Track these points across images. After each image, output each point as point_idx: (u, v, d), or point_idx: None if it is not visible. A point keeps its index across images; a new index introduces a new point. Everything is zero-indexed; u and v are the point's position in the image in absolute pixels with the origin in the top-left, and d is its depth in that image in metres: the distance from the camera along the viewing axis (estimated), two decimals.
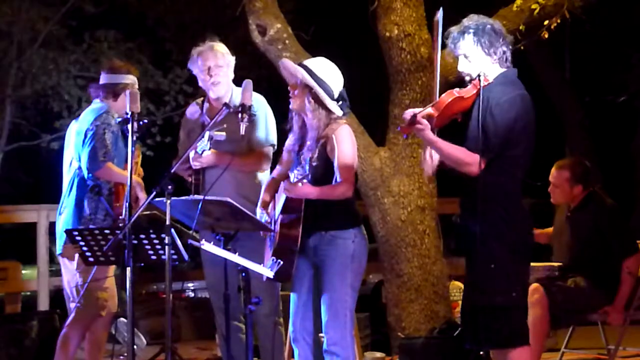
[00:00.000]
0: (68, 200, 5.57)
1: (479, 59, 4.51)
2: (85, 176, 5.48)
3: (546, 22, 6.78)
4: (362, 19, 7.75)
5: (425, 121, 4.37)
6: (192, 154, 5.19)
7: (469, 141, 4.44)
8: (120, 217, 5.39)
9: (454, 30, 4.59)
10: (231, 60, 5.56)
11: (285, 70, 4.93)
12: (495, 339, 4.47)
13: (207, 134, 5.02)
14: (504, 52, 4.52)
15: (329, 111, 4.77)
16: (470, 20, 4.57)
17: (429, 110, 4.43)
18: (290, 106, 4.86)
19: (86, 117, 5.60)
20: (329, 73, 4.81)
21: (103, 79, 5.72)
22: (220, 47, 5.56)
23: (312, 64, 4.85)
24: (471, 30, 4.52)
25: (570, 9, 6.86)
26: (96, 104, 5.69)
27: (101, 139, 5.45)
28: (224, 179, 5.04)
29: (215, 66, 5.46)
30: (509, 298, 4.43)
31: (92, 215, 5.46)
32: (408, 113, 4.41)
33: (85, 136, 5.50)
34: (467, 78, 4.55)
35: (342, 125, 4.78)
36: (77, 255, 5.31)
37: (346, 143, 4.73)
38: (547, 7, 6.86)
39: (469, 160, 4.37)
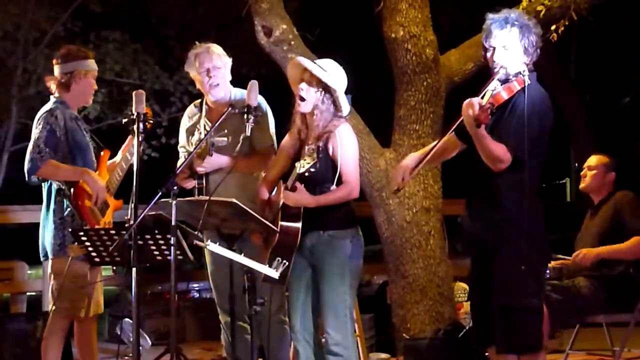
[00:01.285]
0: (44, 205, 5.51)
1: (517, 55, 4.43)
2: (27, 180, 5.39)
3: (553, 27, 6.78)
4: (368, 20, 7.75)
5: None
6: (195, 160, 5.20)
7: (502, 137, 4.34)
8: (87, 216, 5.29)
9: (496, 18, 4.47)
10: (228, 61, 5.55)
11: (295, 68, 4.88)
12: (523, 343, 4.41)
13: (208, 140, 5.03)
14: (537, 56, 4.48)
15: (337, 110, 4.78)
16: (514, 14, 4.47)
17: (490, 100, 4.30)
18: (299, 106, 4.83)
19: (34, 123, 5.46)
20: (339, 73, 4.83)
21: (54, 71, 5.58)
22: (217, 49, 5.55)
23: (323, 63, 4.86)
24: (517, 24, 4.43)
25: (577, 11, 6.86)
26: (48, 103, 5.54)
27: (36, 139, 5.29)
28: (228, 181, 5.06)
29: (213, 67, 5.46)
30: (537, 300, 4.43)
31: (61, 219, 5.34)
32: (476, 103, 4.23)
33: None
34: (497, 70, 4.41)
35: (343, 122, 4.79)
36: (69, 259, 5.25)
37: (349, 142, 4.73)
38: (553, 8, 6.86)
39: (505, 157, 4.31)
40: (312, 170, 4.54)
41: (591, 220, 6.21)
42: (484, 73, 7.47)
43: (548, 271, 5.96)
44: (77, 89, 5.50)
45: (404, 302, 7.09)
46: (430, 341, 6.68)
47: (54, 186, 5.39)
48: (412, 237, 7.06)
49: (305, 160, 4.59)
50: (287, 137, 4.97)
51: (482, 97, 4.31)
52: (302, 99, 4.77)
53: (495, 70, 4.41)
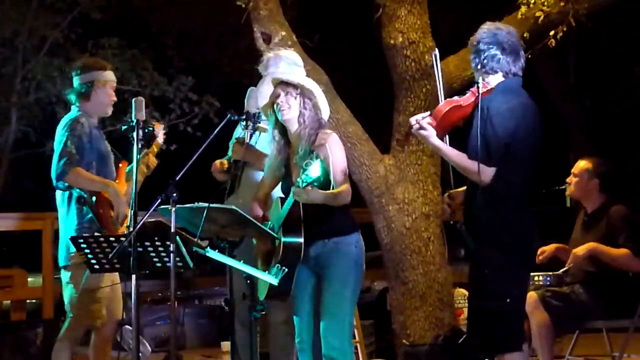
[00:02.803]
0: (60, 213, 5.56)
1: (475, 70, 4.67)
2: (55, 185, 5.45)
3: (552, 32, 6.79)
4: (367, 27, 7.77)
5: (430, 127, 4.45)
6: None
7: (470, 149, 4.50)
8: (107, 224, 5.36)
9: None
10: None
11: (270, 85, 4.92)
12: (490, 344, 4.53)
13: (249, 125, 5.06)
14: (483, 60, 4.61)
15: (318, 116, 4.80)
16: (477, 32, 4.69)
17: (428, 119, 4.48)
18: (281, 117, 4.83)
19: (58, 129, 5.56)
20: (311, 81, 4.88)
21: (73, 82, 5.68)
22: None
23: (296, 75, 4.91)
24: (469, 44, 4.71)
25: (575, 17, 6.87)
26: (71, 112, 5.64)
27: (65, 145, 5.39)
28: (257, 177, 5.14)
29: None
30: (503, 303, 4.47)
31: (79, 226, 5.40)
32: (411, 120, 4.48)
33: (55, 149, 5.48)
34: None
35: (331, 134, 4.82)
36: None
37: (338, 151, 4.76)
38: (552, 14, 6.88)
39: (474, 168, 4.42)
40: (315, 184, 4.53)
41: (585, 232, 6.16)
42: None
43: (548, 278, 5.98)
44: (97, 99, 5.61)
45: (403, 308, 7.09)
46: (430, 347, 6.69)
47: (74, 193, 5.44)
48: (411, 243, 7.06)
49: (306, 174, 4.57)
50: (271, 156, 4.98)
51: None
52: (284, 109, 4.79)
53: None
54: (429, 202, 7.13)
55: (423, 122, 4.45)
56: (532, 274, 5.81)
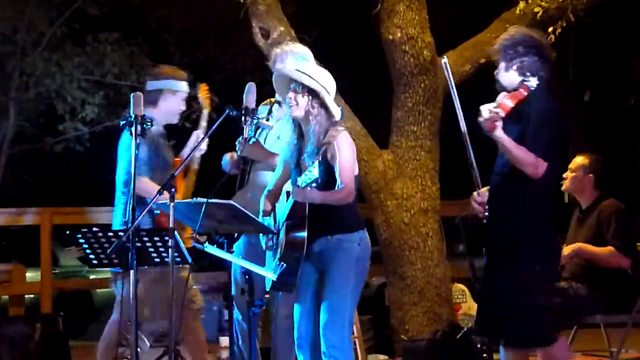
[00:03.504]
0: (117, 212, 5.50)
1: (515, 73, 4.80)
2: (119, 189, 5.43)
3: (551, 28, 6.79)
4: (365, 22, 7.76)
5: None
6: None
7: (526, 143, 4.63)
8: None
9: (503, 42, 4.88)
10: None
11: (280, 80, 4.90)
12: (535, 338, 4.74)
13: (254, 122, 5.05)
14: (524, 62, 4.77)
15: (329, 115, 4.77)
16: (518, 35, 4.86)
17: (500, 109, 4.55)
18: (291, 114, 4.83)
19: (124, 134, 5.46)
20: (325, 77, 4.82)
21: (146, 86, 5.68)
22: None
23: (309, 70, 4.85)
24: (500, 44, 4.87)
25: (574, 12, 6.87)
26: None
27: (132, 153, 5.33)
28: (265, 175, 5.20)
29: None
30: (547, 298, 4.72)
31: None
32: (486, 110, 4.54)
33: (120, 153, 5.49)
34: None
35: (342, 131, 4.78)
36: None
37: (347, 149, 4.72)
38: (550, 10, 6.88)
39: (531, 161, 4.56)
40: (313, 185, 4.53)
41: (578, 228, 6.17)
42: (481, 75, 7.53)
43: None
44: (165, 107, 5.58)
45: (402, 303, 7.10)
46: (429, 342, 6.69)
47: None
48: (410, 238, 7.07)
49: (306, 174, 4.58)
50: (285, 149, 4.97)
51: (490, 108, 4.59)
52: (293, 106, 4.78)
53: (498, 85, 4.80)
54: (427, 198, 7.13)
55: (497, 115, 4.54)
56: None
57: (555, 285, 4.92)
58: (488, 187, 4.91)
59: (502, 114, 4.50)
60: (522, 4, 6.90)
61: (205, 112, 5.84)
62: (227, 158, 5.63)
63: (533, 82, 4.68)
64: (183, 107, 5.68)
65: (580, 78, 14.33)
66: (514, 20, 7.15)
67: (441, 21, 9.81)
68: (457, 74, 7.33)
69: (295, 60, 5.35)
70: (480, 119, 4.51)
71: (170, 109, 5.60)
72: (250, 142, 5.21)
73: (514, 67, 4.77)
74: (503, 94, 4.67)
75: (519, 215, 4.66)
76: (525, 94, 4.63)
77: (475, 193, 4.94)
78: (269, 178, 5.15)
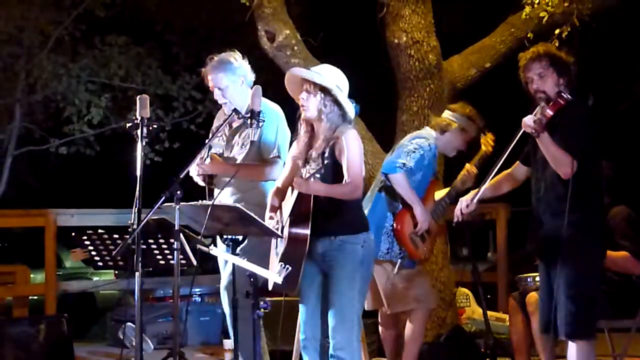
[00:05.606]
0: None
1: (553, 79, 5.09)
2: (383, 171, 5.85)
3: (557, 31, 6.79)
4: (371, 26, 7.77)
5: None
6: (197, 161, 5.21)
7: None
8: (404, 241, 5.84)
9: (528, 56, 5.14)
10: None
11: (292, 80, 4.89)
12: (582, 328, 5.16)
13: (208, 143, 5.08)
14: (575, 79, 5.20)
15: (342, 112, 4.77)
16: (544, 48, 5.22)
17: (543, 117, 4.87)
18: (303, 115, 4.84)
19: (407, 136, 6.04)
20: (339, 76, 4.83)
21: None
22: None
23: (321, 69, 4.86)
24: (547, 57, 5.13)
25: (579, 17, 6.87)
26: (426, 130, 6.05)
27: (405, 154, 5.75)
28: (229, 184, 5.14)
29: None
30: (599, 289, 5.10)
31: (391, 227, 5.82)
32: (530, 118, 4.86)
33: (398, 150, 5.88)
34: (538, 95, 5.03)
35: (351, 129, 4.78)
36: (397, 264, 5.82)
37: (355, 146, 4.72)
38: (556, 14, 6.88)
39: (568, 161, 4.84)
40: (317, 176, 4.54)
41: None
42: (486, 79, 7.54)
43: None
44: (448, 138, 5.95)
45: None
46: (432, 346, 6.69)
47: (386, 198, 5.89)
48: None
49: (310, 165, 4.59)
50: (294, 146, 4.96)
51: (535, 115, 4.91)
52: (305, 107, 4.78)
53: (537, 96, 5.02)
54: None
55: (543, 119, 4.86)
56: (532, 274, 5.83)
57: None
58: (473, 195, 5.23)
59: (545, 120, 4.83)
60: (528, 9, 6.91)
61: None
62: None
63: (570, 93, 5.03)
64: (462, 148, 6.04)
65: (585, 81, 14.31)
66: (519, 25, 7.17)
67: (446, 25, 9.82)
68: (463, 78, 7.35)
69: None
70: (529, 124, 4.81)
71: (451, 142, 5.99)
72: (206, 162, 5.25)
73: (562, 81, 5.06)
74: (542, 104, 4.92)
75: (567, 215, 4.86)
76: (563, 103, 4.94)
77: (463, 199, 5.26)
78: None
